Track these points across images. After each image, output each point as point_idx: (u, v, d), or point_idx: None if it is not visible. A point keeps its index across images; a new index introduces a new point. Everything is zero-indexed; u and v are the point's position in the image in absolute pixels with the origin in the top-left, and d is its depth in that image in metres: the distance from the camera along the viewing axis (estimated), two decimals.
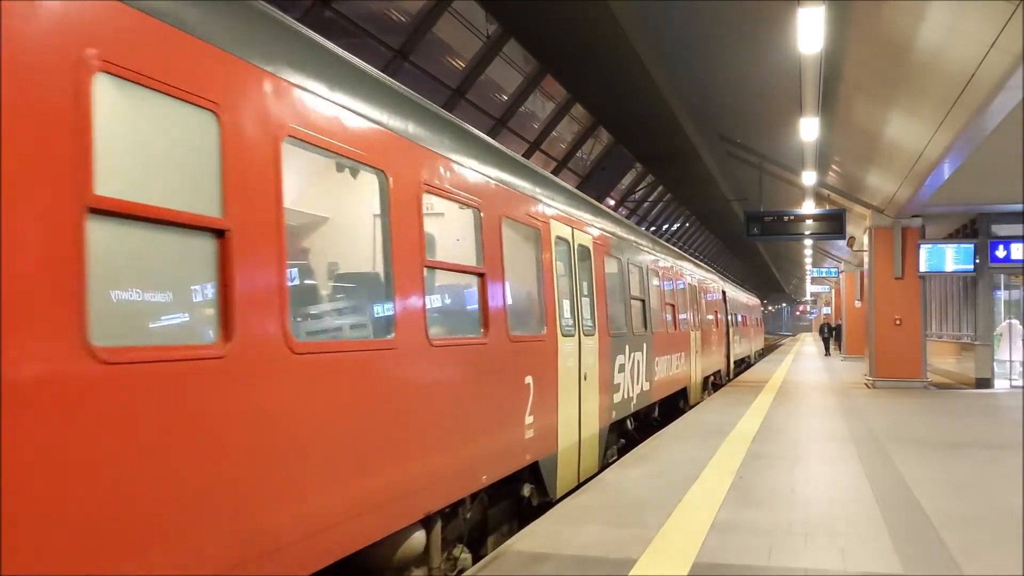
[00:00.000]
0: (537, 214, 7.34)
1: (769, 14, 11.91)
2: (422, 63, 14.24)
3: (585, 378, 8.39)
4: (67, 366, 2.60)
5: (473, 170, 5.90)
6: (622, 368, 10.01)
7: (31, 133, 2.53)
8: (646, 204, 31.19)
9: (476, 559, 6.02)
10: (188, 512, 3.06)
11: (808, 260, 43.58)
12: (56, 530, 2.56)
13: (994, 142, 11.80)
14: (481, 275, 5.94)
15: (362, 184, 4.78)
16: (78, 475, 2.63)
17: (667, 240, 32.84)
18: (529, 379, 6.72)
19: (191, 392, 3.08)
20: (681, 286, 15.56)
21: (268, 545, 3.45)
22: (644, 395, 11.44)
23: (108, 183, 2.80)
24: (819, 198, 22.75)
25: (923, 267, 19.31)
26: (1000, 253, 19.16)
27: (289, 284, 3.68)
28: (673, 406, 14.68)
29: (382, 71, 5.44)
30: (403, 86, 5.47)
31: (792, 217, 19.45)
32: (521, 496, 7.10)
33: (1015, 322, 19.77)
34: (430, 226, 5.39)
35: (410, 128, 5.02)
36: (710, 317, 19.59)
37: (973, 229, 20.18)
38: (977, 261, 19.22)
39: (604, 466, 9.40)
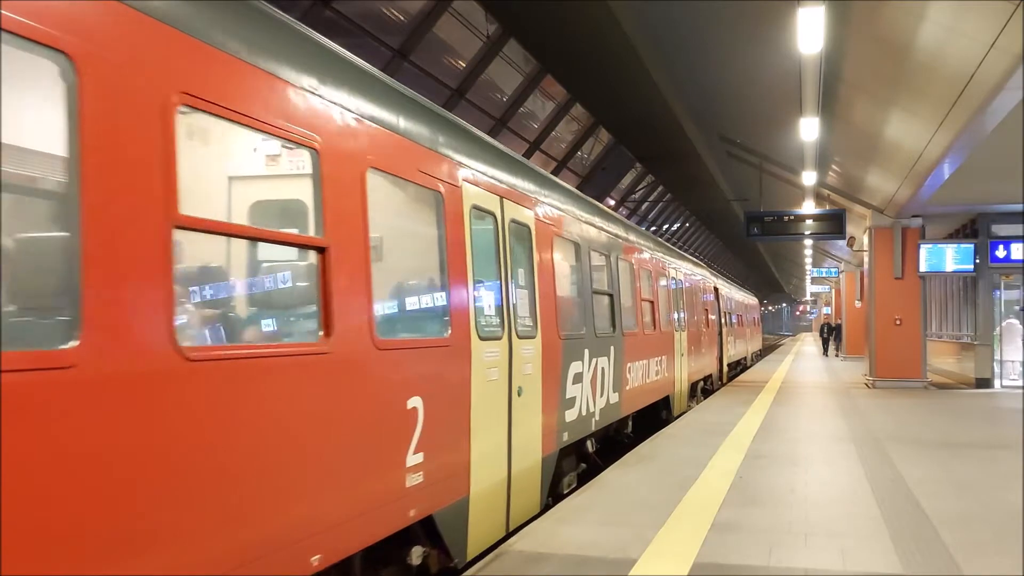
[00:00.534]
0: (441, 173, 5.37)
1: (769, 14, 11.91)
2: (422, 63, 14.25)
3: (520, 393, 6.47)
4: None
5: (306, 90, 4.02)
6: (579, 378, 8.22)
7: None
8: (646, 204, 31.19)
9: None
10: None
11: (808, 260, 43.59)
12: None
13: (994, 142, 11.80)
14: (322, 250, 4.03)
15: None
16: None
17: (669, 241, 32.85)
18: (415, 402, 4.80)
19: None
20: (664, 281, 13.85)
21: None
22: (611, 409, 9.68)
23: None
24: (819, 198, 22.75)
25: (923, 267, 19.31)
26: (1000, 253, 19.16)
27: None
28: (654, 417, 12.94)
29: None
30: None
31: (792, 217, 19.46)
32: (409, 566, 5.11)
33: (1015, 322, 19.76)
34: (192, 157, 3.62)
35: None
36: (699, 316, 17.83)
37: (973, 229, 20.18)
38: (977, 261, 19.21)
39: (559, 497, 7.86)
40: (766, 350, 47.42)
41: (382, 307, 4.84)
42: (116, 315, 2.82)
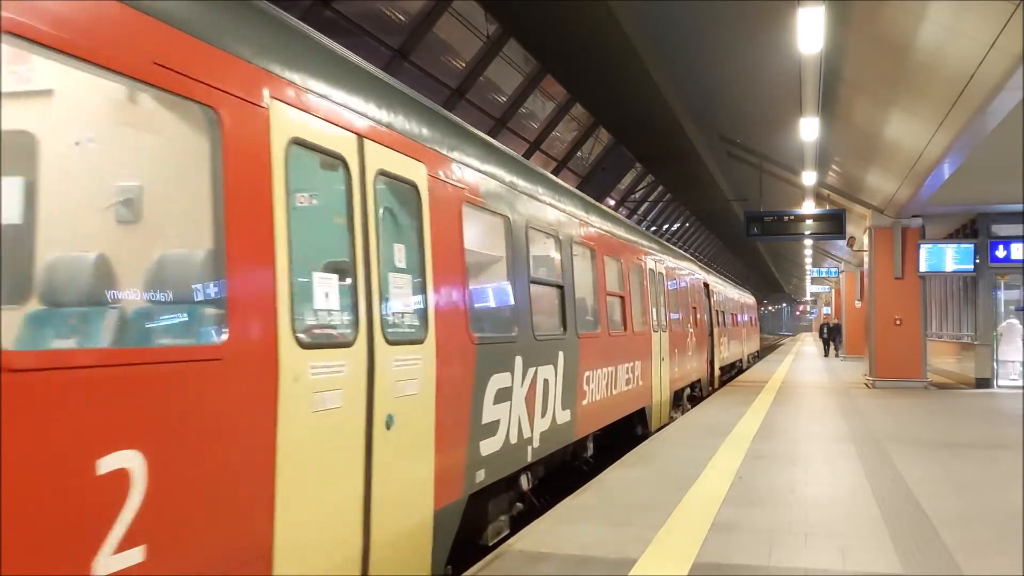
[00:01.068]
0: (219, 77, 3.42)
1: (769, 14, 11.91)
2: (422, 63, 14.25)
3: (390, 425, 4.59)
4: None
5: None
6: (505, 395, 6.30)
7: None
8: (646, 204, 31.20)
9: None
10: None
11: (808, 260, 43.60)
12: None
13: (994, 142, 11.80)
14: None
15: None
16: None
17: (670, 241, 32.86)
18: (120, 461, 2.80)
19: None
20: (640, 273, 11.95)
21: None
22: (560, 431, 7.74)
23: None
24: (819, 198, 22.75)
25: (923, 267, 19.31)
26: (1000, 253, 19.16)
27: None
28: (626, 433, 11.24)
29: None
30: None
31: (792, 217, 19.46)
32: None
33: (1015, 322, 19.77)
34: None
35: None
36: (686, 315, 15.97)
37: (973, 229, 20.18)
38: (977, 261, 19.22)
39: (485, 549, 6.38)
40: (765, 350, 47.39)
41: (49, 291, 3.23)
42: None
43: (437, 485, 5.18)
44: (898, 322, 19.52)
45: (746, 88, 17.37)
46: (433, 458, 5.13)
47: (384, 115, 4.84)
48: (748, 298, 35.30)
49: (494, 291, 6.97)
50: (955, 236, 21.76)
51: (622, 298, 10.64)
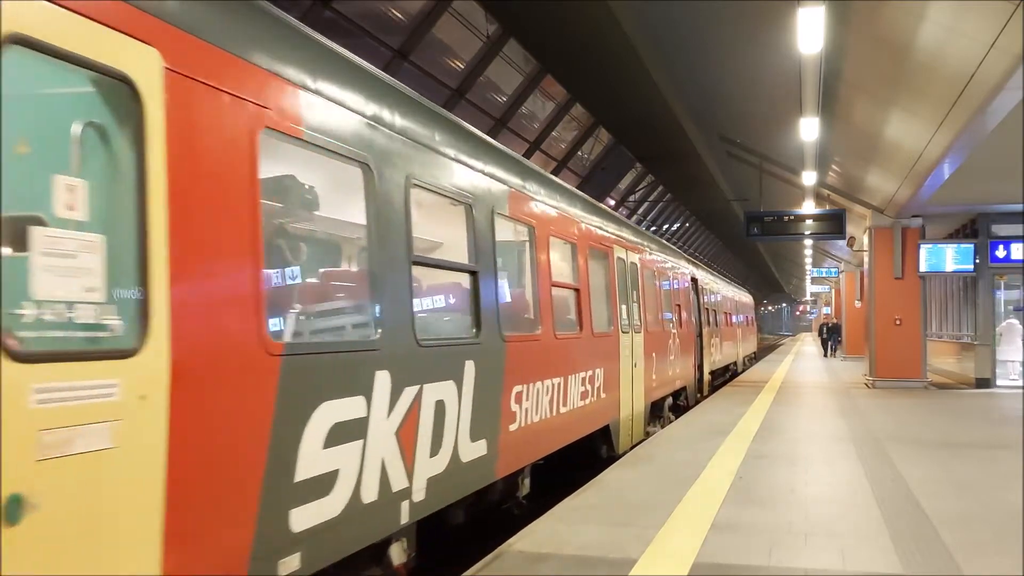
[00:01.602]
0: None
1: (769, 14, 11.91)
2: (422, 63, 14.25)
3: (16, 518, 2.49)
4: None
5: None
6: (352, 433, 4.36)
7: None
8: (646, 204, 31.20)
9: None
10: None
11: (808, 260, 43.61)
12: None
13: (994, 142, 11.80)
14: None
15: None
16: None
17: (670, 241, 32.83)
18: None
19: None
20: (603, 262, 10.03)
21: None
22: (466, 472, 5.76)
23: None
24: (819, 198, 22.75)
25: (923, 267, 19.31)
26: (1000, 253, 19.16)
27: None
28: (576, 459, 9.09)
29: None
30: None
31: (792, 217, 19.46)
32: None
33: (1015, 322, 19.77)
34: None
35: None
36: (668, 313, 14.04)
37: (973, 229, 20.18)
38: (977, 261, 19.22)
39: None
40: (765, 350, 47.35)
41: None
42: None
43: None
44: (898, 322, 19.52)
45: (746, 88, 17.37)
46: (159, 559, 3.00)
47: None
48: (744, 296, 33.45)
49: (331, 275, 5.35)
50: (955, 236, 21.76)
51: (577, 291, 8.58)
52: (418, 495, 5.05)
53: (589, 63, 16.19)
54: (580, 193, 9.98)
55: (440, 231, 6.36)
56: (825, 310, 57.25)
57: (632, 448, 10.41)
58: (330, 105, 4.28)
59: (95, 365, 2.81)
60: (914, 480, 8.11)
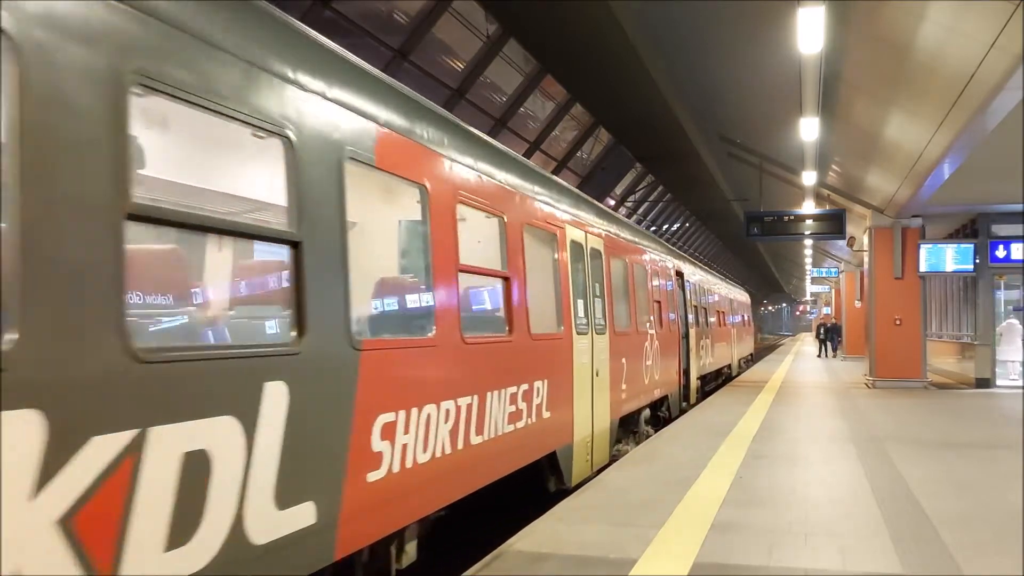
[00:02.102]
0: None
1: (769, 14, 11.92)
2: (422, 63, 14.26)
3: None
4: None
5: None
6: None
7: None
8: (646, 204, 31.21)
9: None
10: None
11: (808, 260, 43.62)
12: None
13: (994, 142, 11.81)
14: None
15: None
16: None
17: (670, 242, 32.82)
18: None
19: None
20: (549, 246, 8.05)
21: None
22: (264, 557, 3.59)
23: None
24: (819, 198, 22.76)
25: (923, 267, 19.31)
26: (1000, 253, 19.17)
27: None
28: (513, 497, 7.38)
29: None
30: None
31: (792, 217, 19.47)
32: None
33: (1015, 322, 19.78)
34: None
35: None
36: (644, 311, 12.03)
37: (973, 229, 20.19)
38: (977, 261, 19.22)
39: None
40: (765, 350, 47.33)
41: None
42: None
43: None
44: (898, 322, 19.52)
45: (746, 88, 17.38)
46: None
47: None
48: (740, 294, 31.25)
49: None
50: (955, 236, 21.76)
51: (506, 281, 6.61)
52: None
53: (589, 63, 16.19)
54: (515, 155, 7.73)
55: (215, 169, 4.44)
56: (825, 310, 57.27)
57: (595, 475, 8.56)
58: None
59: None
60: (914, 480, 8.11)
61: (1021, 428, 11.87)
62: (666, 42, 15.38)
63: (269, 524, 3.62)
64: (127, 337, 2.92)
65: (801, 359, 34.55)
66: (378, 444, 4.56)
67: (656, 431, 12.11)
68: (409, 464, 4.89)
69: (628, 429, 11.15)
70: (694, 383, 16.69)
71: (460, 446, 5.61)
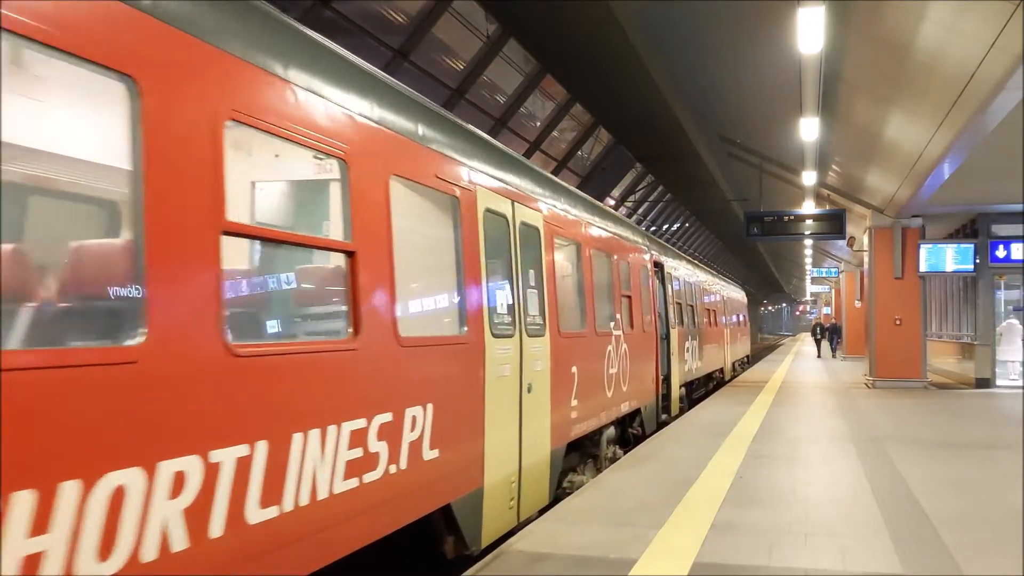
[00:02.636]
0: None
1: (769, 14, 11.91)
2: (422, 63, 14.26)
3: None
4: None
5: None
6: None
7: None
8: (646, 204, 31.21)
9: None
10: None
11: (808, 260, 43.63)
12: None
13: (994, 142, 11.81)
14: None
15: None
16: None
17: (669, 242, 32.76)
18: None
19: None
20: (450, 214, 5.86)
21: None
22: None
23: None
24: (819, 198, 22.76)
25: (923, 267, 19.32)
26: (1000, 253, 19.18)
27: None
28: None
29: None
30: None
31: (792, 217, 19.48)
32: None
33: (1015, 322, 19.78)
34: None
35: None
36: (605, 309, 9.85)
37: (973, 229, 20.19)
38: (977, 261, 19.22)
39: None
40: (765, 351, 47.29)
41: None
42: None
43: None
44: (898, 322, 19.52)
45: (746, 88, 17.38)
46: None
47: None
48: (734, 292, 29.14)
49: None
50: (955, 236, 21.76)
51: (351, 257, 4.41)
52: None
53: (589, 63, 16.18)
54: (369, 68, 5.12)
55: None
56: (825, 310, 57.28)
57: (521, 527, 6.61)
58: None
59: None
60: (914, 480, 8.11)
61: (1021, 428, 11.86)
62: (666, 42, 15.37)
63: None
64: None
65: (801, 359, 34.55)
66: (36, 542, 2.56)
67: (628, 450, 10.33)
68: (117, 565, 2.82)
69: (587, 453, 9.32)
70: (676, 392, 14.50)
71: (219, 531, 3.31)
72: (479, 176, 6.23)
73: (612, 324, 10.08)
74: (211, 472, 3.27)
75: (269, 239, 4.42)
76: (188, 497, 3.14)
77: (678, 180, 28.39)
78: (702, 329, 18.55)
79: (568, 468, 8.53)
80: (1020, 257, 18.96)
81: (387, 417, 4.65)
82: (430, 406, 5.17)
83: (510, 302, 6.67)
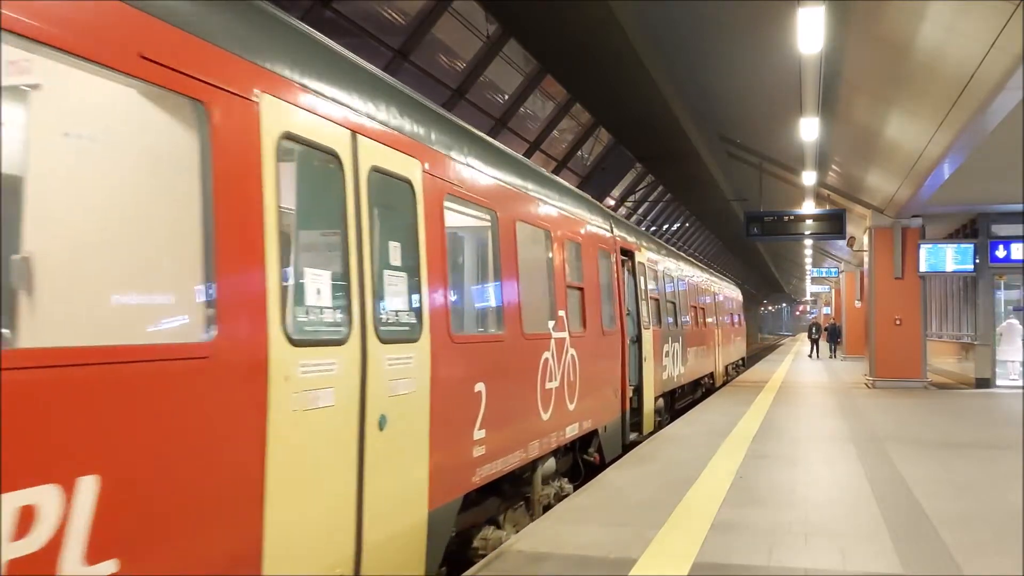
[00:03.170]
0: None
1: (769, 14, 11.91)
2: (422, 63, 14.25)
3: None
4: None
5: None
6: None
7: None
8: (646, 204, 31.22)
9: None
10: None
11: (808, 260, 43.63)
12: None
13: (994, 142, 11.81)
14: None
15: None
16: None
17: (669, 242, 32.71)
18: None
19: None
20: (176, 138, 3.39)
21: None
22: None
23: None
24: (819, 198, 22.77)
25: (923, 267, 19.32)
26: (1000, 253, 19.18)
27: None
28: None
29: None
30: None
31: (792, 217, 19.49)
32: None
33: (1015, 322, 19.78)
34: None
35: None
36: (539, 302, 7.53)
37: (973, 229, 20.20)
38: (977, 261, 19.23)
39: None
40: (765, 351, 47.25)
41: None
42: None
43: None
44: (898, 322, 19.53)
45: (746, 88, 17.38)
46: None
47: None
48: (728, 289, 26.98)
49: None
50: (955, 236, 21.77)
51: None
52: None
53: (589, 63, 16.18)
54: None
55: None
56: (825, 310, 57.28)
57: None
58: None
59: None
60: (914, 480, 8.11)
61: (1021, 428, 11.87)
62: (666, 42, 15.37)
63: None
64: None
65: (801, 359, 34.57)
66: None
67: (578, 485, 8.40)
68: None
69: (516, 494, 7.19)
70: (650, 405, 12.07)
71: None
72: (266, 76, 3.78)
73: (552, 324, 7.68)
74: None
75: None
76: None
77: (678, 180, 28.38)
78: (686, 330, 16.21)
79: (476, 524, 6.38)
80: (1020, 257, 18.96)
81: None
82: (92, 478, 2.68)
83: (341, 289, 4.34)
